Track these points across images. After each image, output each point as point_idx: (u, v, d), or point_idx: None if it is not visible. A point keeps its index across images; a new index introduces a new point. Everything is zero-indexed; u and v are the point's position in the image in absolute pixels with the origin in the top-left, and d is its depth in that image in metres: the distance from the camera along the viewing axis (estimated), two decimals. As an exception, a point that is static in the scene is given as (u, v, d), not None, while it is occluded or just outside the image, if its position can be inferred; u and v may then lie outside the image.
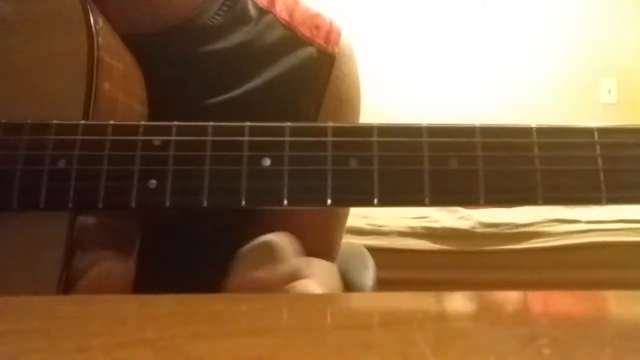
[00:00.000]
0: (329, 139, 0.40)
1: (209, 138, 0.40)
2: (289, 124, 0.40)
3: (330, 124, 0.40)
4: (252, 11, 0.60)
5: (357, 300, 0.34)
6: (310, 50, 0.61)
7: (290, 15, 0.62)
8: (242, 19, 0.59)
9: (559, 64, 3.20)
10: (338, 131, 0.40)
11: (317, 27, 0.62)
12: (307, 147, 0.40)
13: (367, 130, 0.40)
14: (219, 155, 0.40)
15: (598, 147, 0.39)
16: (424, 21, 3.20)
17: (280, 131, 0.40)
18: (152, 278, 0.42)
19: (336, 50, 0.62)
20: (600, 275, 1.91)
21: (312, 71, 0.61)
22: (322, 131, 0.40)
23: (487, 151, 0.39)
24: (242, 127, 0.40)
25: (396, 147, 0.39)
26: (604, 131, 0.39)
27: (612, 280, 1.87)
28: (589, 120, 3.10)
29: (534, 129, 0.39)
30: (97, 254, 0.43)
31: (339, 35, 0.63)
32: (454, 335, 0.26)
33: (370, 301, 0.34)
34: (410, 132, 0.40)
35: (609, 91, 3.20)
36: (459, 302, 0.34)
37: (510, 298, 0.38)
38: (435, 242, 2.03)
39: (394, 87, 3.16)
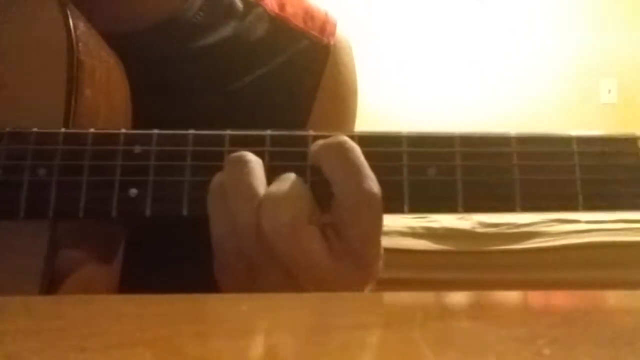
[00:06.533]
0: (310, 149, 0.39)
1: (190, 148, 0.40)
2: (269, 132, 0.40)
3: (311, 132, 0.40)
4: (240, 5, 0.58)
5: (357, 300, 0.34)
6: (303, 42, 0.58)
7: (281, 7, 0.59)
8: (229, 13, 0.57)
9: (559, 64, 3.20)
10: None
11: (312, 18, 0.60)
12: (287, 157, 0.40)
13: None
14: (199, 165, 0.40)
15: (576, 156, 0.39)
16: (424, 21, 3.20)
17: (260, 140, 0.40)
18: (139, 281, 0.42)
19: (332, 42, 0.59)
20: (600, 275, 1.91)
21: (306, 64, 0.58)
22: (303, 140, 0.40)
23: (466, 161, 0.39)
24: (223, 136, 0.40)
25: (375, 157, 0.39)
26: (582, 140, 0.40)
27: (612, 280, 1.87)
28: (590, 120, 3.10)
29: (513, 138, 0.40)
30: (79, 256, 0.43)
31: (335, 26, 0.60)
32: (454, 335, 0.26)
33: (370, 301, 0.34)
34: (389, 141, 0.40)
35: (609, 91, 3.20)
36: (459, 302, 0.34)
37: (510, 298, 0.38)
38: (435, 242, 2.03)
39: (391, 87, 3.16)
